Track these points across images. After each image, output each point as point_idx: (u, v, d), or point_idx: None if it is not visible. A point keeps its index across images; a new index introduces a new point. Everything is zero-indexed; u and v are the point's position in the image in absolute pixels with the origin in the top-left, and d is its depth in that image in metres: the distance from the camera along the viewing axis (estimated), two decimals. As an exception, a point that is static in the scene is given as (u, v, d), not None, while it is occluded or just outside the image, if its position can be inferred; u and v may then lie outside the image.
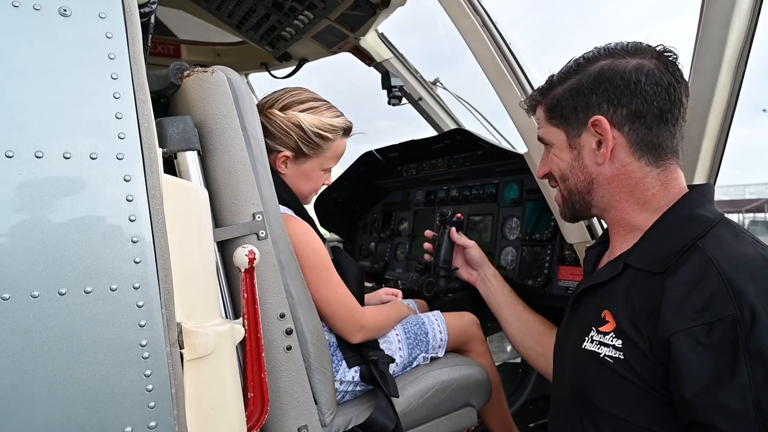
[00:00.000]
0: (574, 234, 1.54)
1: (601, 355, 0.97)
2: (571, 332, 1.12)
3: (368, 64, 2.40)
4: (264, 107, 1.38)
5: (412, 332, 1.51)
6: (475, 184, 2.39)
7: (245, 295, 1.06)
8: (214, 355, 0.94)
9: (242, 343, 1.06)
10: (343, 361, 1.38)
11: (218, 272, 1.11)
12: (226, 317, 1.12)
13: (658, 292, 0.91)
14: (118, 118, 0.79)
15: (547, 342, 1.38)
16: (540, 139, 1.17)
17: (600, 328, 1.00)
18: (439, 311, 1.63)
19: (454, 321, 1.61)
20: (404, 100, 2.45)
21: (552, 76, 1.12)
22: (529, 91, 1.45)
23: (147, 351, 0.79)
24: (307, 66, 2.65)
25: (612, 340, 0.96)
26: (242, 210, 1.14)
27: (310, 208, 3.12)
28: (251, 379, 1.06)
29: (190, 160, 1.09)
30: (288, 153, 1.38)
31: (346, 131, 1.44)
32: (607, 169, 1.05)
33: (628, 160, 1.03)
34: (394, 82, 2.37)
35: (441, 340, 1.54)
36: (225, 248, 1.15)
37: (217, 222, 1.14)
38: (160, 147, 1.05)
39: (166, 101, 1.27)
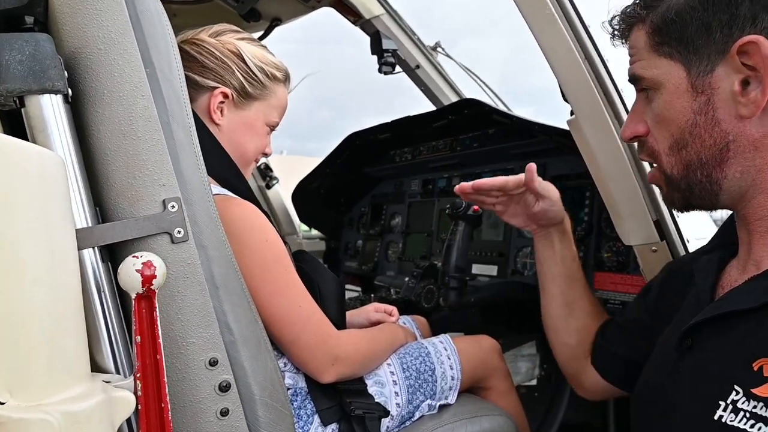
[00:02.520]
0: (636, 232, 1.12)
1: None
2: (679, 384, 0.72)
3: (354, 23, 1.96)
4: (187, 37, 1.00)
5: (413, 369, 1.08)
6: (484, 170, 1.97)
7: (138, 337, 0.62)
8: (59, 461, 0.50)
9: (136, 417, 0.63)
10: (316, 416, 0.95)
11: (101, 299, 0.67)
12: (118, 372, 0.68)
13: None
14: None
15: (588, 341, 1.09)
16: (635, 79, 0.76)
17: (755, 390, 0.59)
18: (447, 336, 1.21)
19: (470, 350, 1.18)
20: (398, 68, 2.01)
21: None
22: (583, 34, 1.02)
23: None
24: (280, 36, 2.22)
25: None
26: (145, 195, 0.70)
27: (286, 202, 2.72)
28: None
29: (47, 109, 0.65)
30: (227, 90, 1.00)
31: (289, 79, 1.11)
32: (755, 127, 0.65)
33: None
34: (386, 45, 1.93)
35: (452, 378, 1.11)
36: (116, 257, 0.71)
37: (102, 215, 0.70)
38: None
39: (41, 28, 0.82)
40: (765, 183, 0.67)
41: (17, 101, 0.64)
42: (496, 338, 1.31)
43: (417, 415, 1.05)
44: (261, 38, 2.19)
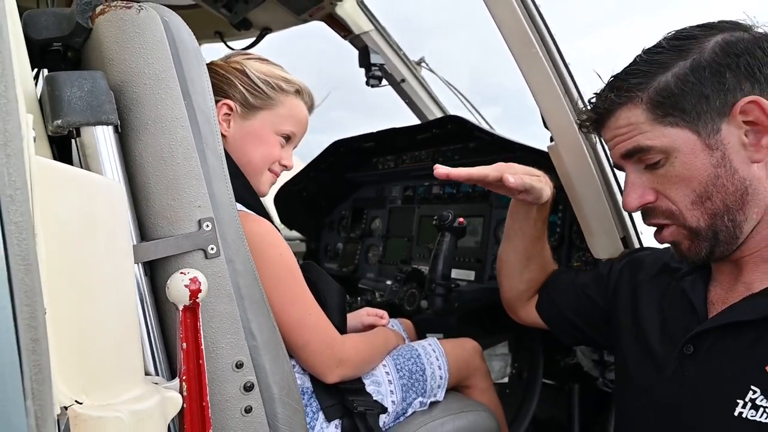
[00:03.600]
0: (605, 247, 1.25)
1: None
2: (687, 388, 0.83)
3: (344, 37, 2.05)
4: None
5: (406, 369, 1.18)
6: None
7: (184, 344, 0.70)
8: (129, 452, 0.58)
9: (180, 414, 0.71)
10: (320, 413, 1.04)
11: (144, 309, 0.75)
12: (157, 374, 0.77)
13: None
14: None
15: (535, 288, 1.25)
16: (630, 155, 0.85)
17: None
18: (435, 339, 1.32)
19: (455, 351, 1.30)
20: (384, 81, 2.11)
21: (631, 70, 0.83)
22: (564, 72, 1.14)
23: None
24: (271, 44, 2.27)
25: None
26: (183, 215, 0.78)
27: (267, 203, 2.78)
28: (192, 471, 0.71)
29: (100, 139, 0.72)
30: (230, 102, 1.06)
31: (303, 93, 1.14)
32: (761, 170, 0.77)
33: None
34: (374, 59, 2.03)
35: (440, 378, 1.23)
36: (155, 271, 0.79)
37: (143, 233, 0.78)
38: (53, 119, 0.68)
39: (74, 55, 0.88)
40: None
41: (74, 131, 0.71)
42: (471, 339, 1.42)
43: (410, 411, 1.16)
44: (251, 46, 2.25)
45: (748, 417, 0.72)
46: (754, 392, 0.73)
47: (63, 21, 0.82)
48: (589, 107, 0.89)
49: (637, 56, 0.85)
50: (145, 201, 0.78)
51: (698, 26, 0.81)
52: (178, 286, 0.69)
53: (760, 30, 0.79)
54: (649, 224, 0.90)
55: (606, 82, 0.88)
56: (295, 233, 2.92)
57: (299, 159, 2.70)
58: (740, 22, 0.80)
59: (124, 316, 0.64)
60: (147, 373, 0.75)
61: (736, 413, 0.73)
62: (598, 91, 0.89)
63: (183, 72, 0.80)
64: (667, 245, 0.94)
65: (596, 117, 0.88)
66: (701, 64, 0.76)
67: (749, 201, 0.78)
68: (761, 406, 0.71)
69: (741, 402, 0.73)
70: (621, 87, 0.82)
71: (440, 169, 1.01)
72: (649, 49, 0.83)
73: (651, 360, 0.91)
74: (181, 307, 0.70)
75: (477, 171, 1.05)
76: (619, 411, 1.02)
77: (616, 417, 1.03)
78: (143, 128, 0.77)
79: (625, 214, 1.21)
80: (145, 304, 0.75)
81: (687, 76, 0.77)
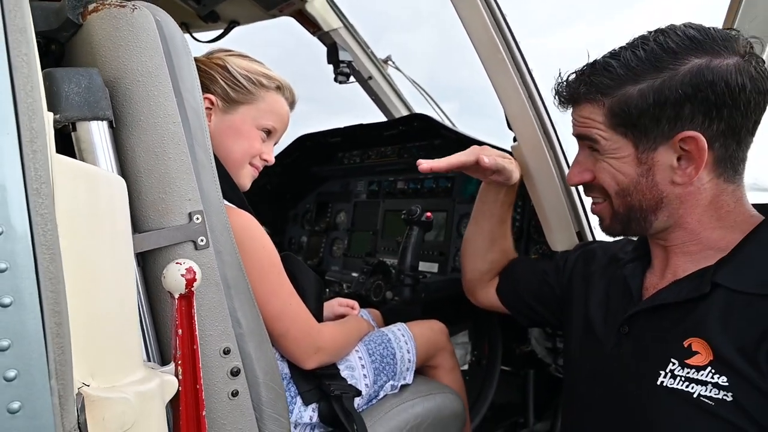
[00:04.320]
0: (562, 241, 1.35)
1: (695, 395, 0.79)
2: (622, 362, 0.93)
3: (313, 33, 2.08)
4: None
5: (378, 354, 1.25)
6: (428, 176, 2.16)
7: (179, 330, 0.74)
8: (134, 430, 0.62)
9: (175, 396, 0.75)
10: (298, 398, 1.10)
11: (138, 298, 0.78)
12: (149, 359, 0.80)
13: None
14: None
15: (495, 270, 1.34)
16: (584, 138, 0.94)
17: (687, 361, 0.81)
18: (404, 324, 1.39)
19: (424, 333, 1.37)
20: (352, 78, 2.15)
21: (610, 65, 0.87)
22: (528, 77, 1.22)
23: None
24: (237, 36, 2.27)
25: (711, 377, 0.78)
26: (174, 208, 0.82)
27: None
28: (186, 450, 0.75)
29: (96, 134, 0.75)
30: (212, 97, 1.08)
31: (284, 89, 1.16)
32: (681, 188, 0.87)
33: (708, 178, 0.86)
34: (342, 56, 2.07)
35: (409, 361, 1.30)
36: (147, 262, 0.82)
37: (134, 225, 0.81)
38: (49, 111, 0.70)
39: (59, 48, 0.89)
40: (684, 224, 0.89)
41: (71, 126, 0.73)
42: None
43: (381, 394, 1.23)
44: (218, 38, 2.24)
45: (668, 385, 0.83)
46: (673, 364, 0.83)
47: (51, 15, 0.83)
48: (564, 82, 0.95)
49: (621, 49, 0.88)
50: (137, 194, 0.81)
51: (687, 39, 0.83)
52: (174, 276, 0.72)
53: (747, 47, 0.82)
54: (587, 196, 1.03)
55: (587, 65, 0.92)
56: (258, 226, 2.92)
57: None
58: (729, 36, 0.82)
59: (125, 304, 0.67)
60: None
61: (658, 382, 0.84)
62: (577, 71, 0.93)
63: (174, 69, 0.83)
64: (616, 239, 1.06)
65: (567, 101, 0.96)
66: (666, 91, 0.82)
67: (662, 208, 0.89)
68: (678, 375, 0.82)
69: (662, 372, 0.84)
70: (592, 83, 0.89)
71: (424, 165, 1.11)
72: (633, 49, 0.86)
73: (595, 339, 1.02)
74: (177, 296, 0.73)
75: (456, 159, 1.17)
76: (567, 386, 1.12)
77: (564, 392, 1.14)
78: (136, 124, 0.79)
79: (581, 211, 1.32)
80: (139, 293, 0.79)
81: (649, 97, 0.83)
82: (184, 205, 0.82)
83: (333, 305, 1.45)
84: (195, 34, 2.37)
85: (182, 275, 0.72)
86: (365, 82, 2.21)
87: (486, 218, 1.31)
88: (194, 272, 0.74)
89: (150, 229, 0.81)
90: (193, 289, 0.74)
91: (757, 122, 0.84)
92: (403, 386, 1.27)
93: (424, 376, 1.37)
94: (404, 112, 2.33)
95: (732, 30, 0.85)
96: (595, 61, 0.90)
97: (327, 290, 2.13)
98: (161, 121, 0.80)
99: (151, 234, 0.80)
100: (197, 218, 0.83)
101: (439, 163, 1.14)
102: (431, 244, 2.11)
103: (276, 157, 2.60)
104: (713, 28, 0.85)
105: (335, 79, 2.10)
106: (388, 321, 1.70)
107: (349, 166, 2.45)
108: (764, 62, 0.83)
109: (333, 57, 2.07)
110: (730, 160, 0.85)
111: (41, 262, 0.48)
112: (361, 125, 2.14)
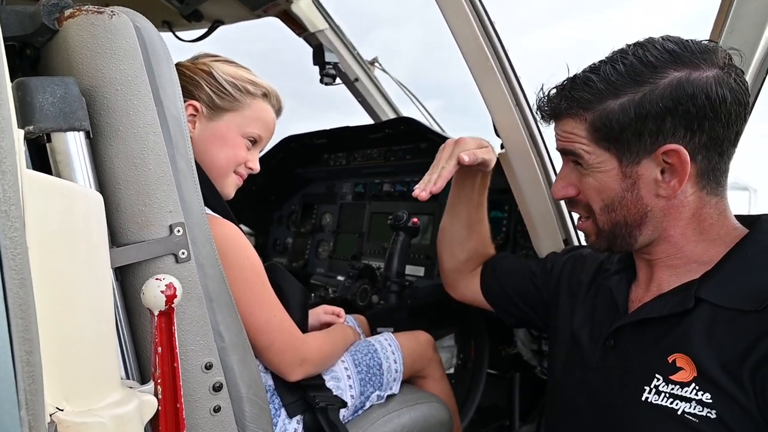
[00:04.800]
0: (548, 248, 1.35)
1: (679, 412, 0.78)
2: (607, 375, 0.93)
3: (298, 34, 2.05)
4: None
5: (364, 364, 1.24)
6: (414, 179, 2.15)
7: (159, 348, 0.72)
8: (111, 455, 0.60)
9: (154, 418, 0.72)
10: (282, 410, 1.08)
11: (116, 314, 0.76)
12: (128, 377, 0.78)
13: (760, 333, 0.75)
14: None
15: (475, 261, 1.32)
16: (567, 153, 0.93)
17: (672, 377, 0.81)
18: (390, 334, 1.37)
19: (410, 344, 1.36)
20: (338, 80, 2.13)
21: (588, 79, 0.86)
22: (515, 84, 1.22)
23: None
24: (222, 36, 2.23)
25: (695, 393, 0.78)
26: (154, 221, 0.79)
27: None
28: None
29: (72, 145, 0.72)
30: (196, 103, 1.06)
31: (270, 96, 1.14)
32: (664, 201, 0.87)
33: (691, 191, 0.85)
34: (328, 57, 2.05)
35: (396, 371, 1.29)
36: (126, 276, 0.79)
37: (113, 239, 0.78)
38: (23, 124, 0.68)
39: (34, 53, 0.86)
40: (668, 236, 0.89)
41: (46, 137, 0.70)
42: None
43: (367, 404, 1.21)
44: (202, 38, 2.21)
45: (652, 401, 0.83)
46: (658, 379, 0.83)
47: (26, 19, 0.80)
48: (546, 97, 0.94)
49: (601, 63, 0.88)
50: (115, 206, 0.78)
51: (665, 52, 0.83)
52: (154, 292, 0.70)
53: (726, 59, 0.82)
54: (570, 211, 1.02)
55: (567, 80, 0.91)
56: (243, 227, 2.89)
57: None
58: (708, 48, 0.82)
59: (102, 322, 0.65)
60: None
61: (643, 398, 0.84)
62: (558, 86, 0.93)
63: (155, 78, 0.80)
64: None
65: (549, 116, 0.96)
66: (647, 105, 0.81)
67: (647, 222, 0.89)
68: (663, 391, 0.82)
69: (647, 388, 0.84)
70: (573, 98, 0.88)
71: (423, 194, 1.15)
72: (613, 63, 0.86)
73: (580, 350, 1.01)
74: (156, 313, 0.71)
75: (446, 173, 1.18)
76: (550, 390, 1.12)
77: (547, 395, 1.13)
78: (114, 134, 0.77)
79: (568, 219, 1.32)
80: (117, 309, 0.76)
81: (630, 111, 0.83)
82: (164, 217, 0.80)
83: (319, 313, 1.43)
84: (178, 33, 2.33)
85: (162, 291, 0.70)
86: (351, 84, 2.19)
87: (463, 203, 1.30)
88: (174, 288, 0.72)
89: (129, 243, 0.78)
90: (173, 305, 0.72)
91: (738, 133, 0.84)
92: (390, 396, 1.26)
93: (412, 386, 1.36)
94: (391, 115, 2.32)
95: (710, 42, 0.84)
96: (575, 75, 0.90)
97: (312, 295, 2.11)
98: (141, 131, 0.78)
99: (130, 248, 0.77)
100: (178, 230, 0.81)
101: (435, 186, 1.16)
102: (417, 248, 2.10)
103: (261, 159, 2.58)
104: (692, 40, 0.84)
105: (321, 81, 2.08)
106: (372, 326, 1.69)
107: (335, 168, 2.43)
108: (743, 73, 0.83)
109: (319, 58, 2.05)
110: (713, 172, 0.85)
111: (10, 288, 0.46)
112: (347, 127, 2.12)
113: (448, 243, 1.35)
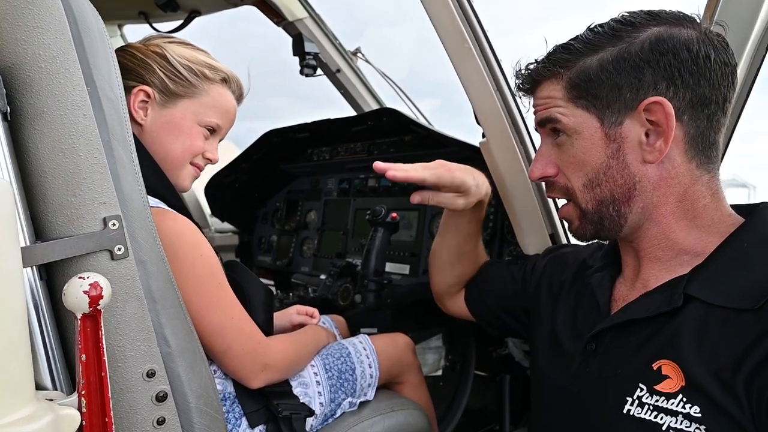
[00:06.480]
0: (534, 244, 1.27)
1: (664, 427, 0.70)
2: (587, 384, 0.85)
3: (277, 23, 1.98)
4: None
5: (335, 369, 1.16)
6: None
7: (83, 356, 0.64)
8: (12, 481, 0.52)
9: (80, 430, 0.65)
10: (243, 419, 1.00)
11: (39, 317, 0.68)
12: (55, 388, 0.70)
13: (757, 335, 0.67)
14: None
15: (465, 281, 1.25)
16: (549, 122, 0.86)
17: (657, 387, 0.73)
18: (366, 336, 1.30)
19: (387, 348, 1.28)
20: (319, 71, 2.05)
21: (568, 43, 0.82)
22: (496, 68, 1.14)
23: None
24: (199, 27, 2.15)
25: (682, 406, 0.70)
26: (85, 213, 0.71)
27: (199, 195, 2.66)
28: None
29: (-15, 127, 0.64)
30: (148, 89, 0.98)
31: (231, 82, 1.06)
32: (654, 170, 0.79)
33: (680, 160, 0.78)
34: (309, 47, 1.97)
35: (371, 376, 1.21)
36: (54, 275, 0.71)
37: (39, 232, 0.70)
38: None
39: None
40: (659, 217, 0.81)
41: (-48, 119, 0.62)
42: (405, 333, 1.41)
43: (339, 412, 1.13)
44: (178, 29, 2.13)
45: (635, 414, 0.74)
46: (641, 389, 0.75)
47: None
48: (524, 69, 0.89)
49: (583, 31, 0.85)
50: (41, 197, 0.70)
51: (644, 13, 0.80)
52: (75, 293, 0.62)
53: (707, 27, 0.78)
54: (549, 197, 0.95)
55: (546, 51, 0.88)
56: (227, 225, 2.82)
57: (235, 146, 2.60)
58: (688, 16, 0.80)
59: (10, 326, 0.57)
60: (43, 388, 0.68)
61: (625, 410, 0.75)
62: (537, 58, 0.88)
63: (86, 55, 0.72)
64: (589, 242, 0.98)
65: (528, 85, 0.90)
66: (625, 55, 0.77)
67: (636, 196, 0.81)
68: (646, 403, 0.73)
69: (630, 399, 0.76)
70: (550, 60, 0.84)
71: (380, 165, 0.99)
72: (593, 26, 0.83)
73: (562, 355, 0.93)
74: (79, 316, 0.63)
75: (415, 174, 1.01)
76: (534, 393, 1.04)
77: (531, 396, 1.05)
78: (38, 116, 0.69)
79: (554, 212, 1.24)
80: (40, 311, 0.68)
81: (608, 64, 0.78)
82: (97, 209, 0.72)
83: (291, 314, 1.35)
84: (155, 24, 2.26)
85: (85, 292, 0.62)
86: (333, 75, 2.12)
87: (452, 232, 1.20)
88: (101, 288, 0.64)
89: (57, 237, 0.70)
90: (99, 307, 0.64)
91: (726, 99, 0.78)
92: (363, 403, 1.18)
93: (388, 391, 1.28)
94: (375, 107, 2.24)
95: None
96: (555, 45, 0.86)
97: (291, 294, 2.03)
98: (69, 113, 0.70)
99: (56, 242, 0.69)
100: (113, 224, 0.73)
101: (395, 173, 0.99)
102: (402, 245, 2.02)
103: (243, 154, 2.50)
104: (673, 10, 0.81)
105: (301, 72, 2.00)
106: (355, 326, 1.60)
107: (319, 163, 2.36)
108: (726, 42, 0.78)
109: (298, 48, 1.97)
110: (702, 140, 0.78)
111: None
112: (328, 120, 2.04)
113: (438, 268, 1.28)
